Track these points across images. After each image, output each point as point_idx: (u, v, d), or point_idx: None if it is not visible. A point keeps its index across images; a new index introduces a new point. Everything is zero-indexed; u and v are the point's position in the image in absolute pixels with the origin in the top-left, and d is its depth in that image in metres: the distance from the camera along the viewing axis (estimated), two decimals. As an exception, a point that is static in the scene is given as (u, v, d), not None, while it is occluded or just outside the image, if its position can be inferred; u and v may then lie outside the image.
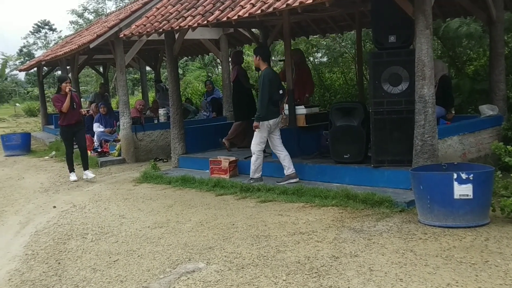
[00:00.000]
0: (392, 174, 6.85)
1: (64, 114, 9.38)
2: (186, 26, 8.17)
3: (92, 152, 12.79)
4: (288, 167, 7.64)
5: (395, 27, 6.87)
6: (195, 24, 8.02)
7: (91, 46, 10.82)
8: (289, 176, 7.63)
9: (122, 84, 11.64)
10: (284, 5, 6.69)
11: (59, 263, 5.09)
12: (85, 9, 38.33)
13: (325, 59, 14.39)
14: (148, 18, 9.41)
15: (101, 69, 21.89)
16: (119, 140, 12.55)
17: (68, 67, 16.70)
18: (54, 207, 7.65)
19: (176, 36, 9.62)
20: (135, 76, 30.78)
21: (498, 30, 8.15)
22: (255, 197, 7.23)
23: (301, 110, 8.46)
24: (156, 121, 12.45)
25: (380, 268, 4.36)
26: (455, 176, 5.28)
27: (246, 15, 7.23)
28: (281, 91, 7.68)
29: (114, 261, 5.03)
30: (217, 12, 7.80)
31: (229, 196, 7.50)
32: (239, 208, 6.75)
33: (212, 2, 8.31)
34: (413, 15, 6.45)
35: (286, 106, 8.64)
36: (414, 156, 6.55)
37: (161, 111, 12.39)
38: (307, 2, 6.37)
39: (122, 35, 9.45)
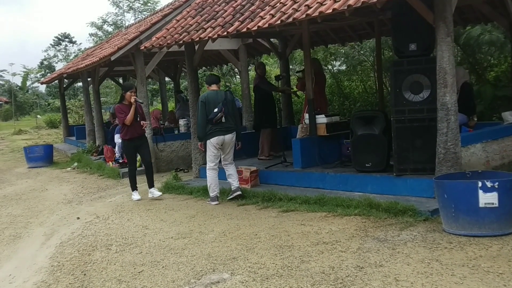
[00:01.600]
0: (415, 182, 6.79)
1: (127, 127, 8.56)
2: (206, 38, 8.23)
3: (114, 163, 12.91)
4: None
5: (415, 35, 6.84)
6: (215, 35, 8.08)
7: (112, 58, 10.95)
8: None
9: (142, 96, 11.72)
10: (304, 15, 6.72)
11: (84, 274, 5.14)
12: (104, 21, 38.70)
13: (343, 67, 14.37)
14: (168, 30, 9.50)
15: (121, 81, 22.10)
16: (140, 151, 12.64)
17: (89, 79, 16.95)
18: (78, 218, 7.73)
19: (196, 47, 9.68)
20: (154, 87, 31.02)
21: (519, 35, 8.08)
22: (277, 207, 7.22)
23: (321, 119, 8.45)
24: (176, 132, 12.53)
25: (406, 278, 4.33)
26: (480, 184, 5.24)
27: (266, 25, 7.26)
28: (216, 109, 7.77)
29: (139, 272, 5.06)
30: (237, 23, 7.85)
31: (250, 206, 7.51)
32: (261, 218, 6.76)
33: (232, 13, 8.38)
34: (433, 23, 6.42)
35: (306, 116, 8.66)
36: (437, 164, 6.50)
37: (182, 122, 12.48)
38: (327, 12, 6.39)
39: (143, 47, 9.55)
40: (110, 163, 12.99)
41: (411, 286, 4.17)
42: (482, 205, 5.24)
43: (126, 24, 25.05)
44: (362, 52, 12.94)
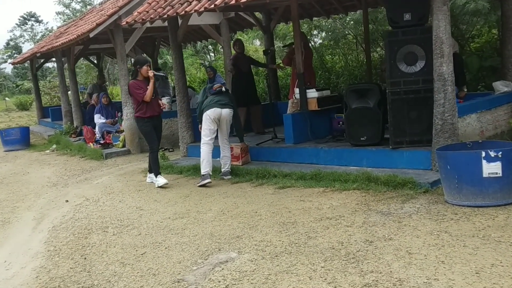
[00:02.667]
0: (412, 155, 6.74)
1: (146, 105, 7.79)
2: (192, 11, 7.97)
3: (95, 144, 12.63)
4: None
5: (410, 5, 6.72)
6: (202, 9, 7.81)
7: (91, 35, 10.58)
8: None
9: (123, 74, 11.43)
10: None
11: (85, 258, 4.96)
12: (72, -2, 37.80)
13: (325, 41, 14.19)
14: (150, 4, 9.21)
15: (96, 60, 21.57)
16: (121, 131, 12.38)
17: (63, 58, 16.49)
18: (67, 201, 7.51)
19: (180, 22, 9.42)
20: (128, 65, 30.42)
21: (510, 5, 8.04)
22: (273, 184, 7.11)
23: (312, 93, 8.31)
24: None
25: (418, 251, 4.27)
26: (483, 154, 5.20)
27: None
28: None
29: (142, 254, 4.90)
30: (225, -4, 7.61)
31: (245, 183, 7.38)
32: (258, 196, 6.64)
33: (218, -14, 8.11)
34: (429, -8, 6.31)
35: (296, 90, 8.52)
36: (434, 136, 6.44)
37: (164, 100, 12.19)
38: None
39: (124, 23, 9.23)
40: (91, 144, 12.70)
41: (425, 258, 4.11)
42: (486, 175, 5.21)
43: (99, 1, 24.36)
44: (345, 25, 12.77)
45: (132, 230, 5.71)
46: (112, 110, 13.32)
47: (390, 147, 6.95)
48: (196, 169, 8.39)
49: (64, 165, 10.96)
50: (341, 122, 8.40)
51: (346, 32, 12.90)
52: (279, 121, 10.62)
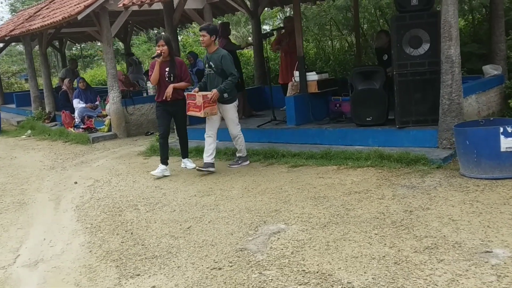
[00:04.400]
0: (418, 133, 7.07)
1: (159, 88, 7.41)
2: (197, -6, 8.02)
3: (75, 128, 12.45)
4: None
5: (417, -10, 7.03)
6: (207, -9, 7.89)
7: (79, 17, 10.42)
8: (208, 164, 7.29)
9: (109, 57, 11.32)
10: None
11: (131, 233, 5.03)
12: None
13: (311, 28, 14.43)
14: (146, -13, 9.17)
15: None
16: (104, 115, 12.27)
17: (32, 42, 16.09)
18: (76, 183, 7.47)
19: (175, 4, 9.43)
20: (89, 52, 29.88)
21: (498, -7, 8.49)
22: (283, 163, 7.30)
23: (312, 76, 8.54)
24: (145, 94, 12.23)
25: (460, 218, 4.58)
26: (501, 130, 5.57)
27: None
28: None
29: (188, 228, 5.01)
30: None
31: (254, 163, 7.54)
32: (274, 174, 6.82)
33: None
34: (438, -22, 6.64)
35: (296, 73, 8.72)
36: (441, 115, 6.78)
37: (150, 84, 12.14)
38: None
39: (121, 4, 9.16)
40: (71, 129, 12.51)
41: (469, 224, 4.42)
42: (503, 149, 5.58)
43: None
44: (331, 11, 13.05)
45: (164, 207, 5.79)
46: (91, 94, 13.15)
47: (397, 126, 7.26)
48: (198, 151, 8.46)
49: (50, 149, 10.78)
50: (338, 105, 8.67)
51: (329, 18, 13.18)
52: (267, 104, 10.90)
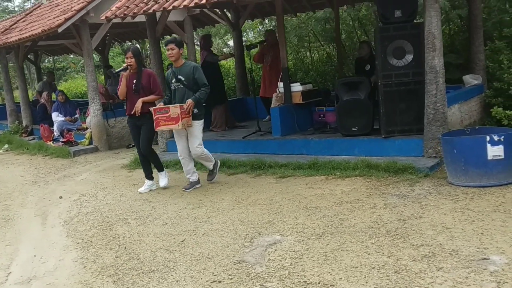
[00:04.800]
0: (403, 143, 7.16)
1: (127, 101, 7.14)
2: (182, 6, 8.01)
3: (54, 142, 12.28)
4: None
5: (400, 2, 7.15)
6: (192, 4, 7.87)
7: (60, 30, 10.32)
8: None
9: (90, 70, 11.23)
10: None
11: (125, 247, 4.97)
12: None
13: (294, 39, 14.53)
14: (128, -1, 9.14)
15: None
16: (84, 128, 12.14)
17: (7, 55, 15.87)
18: (61, 197, 7.35)
19: (158, 17, 9.42)
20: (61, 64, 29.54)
21: (477, 5, 8.69)
22: (271, 174, 7.32)
23: (297, 87, 8.59)
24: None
25: (453, 226, 4.64)
26: (488, 138, 5.68)
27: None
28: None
29: (182, 241, 4.98)
30: (216, -9, 7.71)
31: (242, 174, 7.54)
32: (263, 185, 6.82)
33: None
34: (421, -10, 6.77)
35: (280, 84, 8.76)
36: (426, 125, 6.89)
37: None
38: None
39: (103, 17, 9.08)
40: (50, 142, 12.34)
41: (463, 232, 4.48)
42: (490, 158, 5.70)
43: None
44: (309, 22, 13.16)
45: (156, 221, 5.74)
46: (71, 107, 13.00)
47: (383, 136, 7.34)
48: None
49: (31, 163, 10.61)
50: (322, 115, 8.74)
51: (309, 30, 13.30)
52: (248, 115, 10.94)
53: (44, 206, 6.98)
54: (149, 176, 7.31)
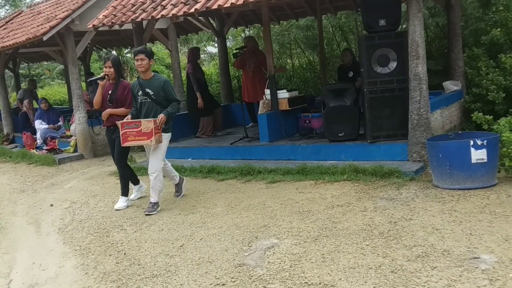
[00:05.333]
0: (389, 147, 7.38)
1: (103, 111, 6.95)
2: (170, 15, 8.13)
3: (37, 150, 12.24)
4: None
5: (385, 12, 7.38)
6: (181, 13, 8.00)
7: (45, 38, 10.34)
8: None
9: (75, 77, 11.25)
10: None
11: (124, 253, 5.06)
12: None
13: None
14: (115, 7, 9.22)
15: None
16: (68, 136, 12.14)
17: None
18: (52, 205, 7.39)
19: (144, 25, 9.51)
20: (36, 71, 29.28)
21: (455, 13, 8.98)
22: (260, 179, 7.45)
23: (283, 94, 8.77)
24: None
25: (442, 227, 4.84)
26: (471, 143, 5.92)
27: (241, 2, 7.37)
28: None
29: (180, 246, 5.09)
30: (203, 1, 7.83)
31: (231, 180, 7.65)
32: (254, 190, 6.96)
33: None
34: (404, 0, 7.01)
35: (267, 91, 8.92)
36: (410, 130, 7.12)
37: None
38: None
39: (90, 25, 9.14)
40: (33, 150, 12.30)
41: (453, 232, 4.69)
42: (474, 161, 5.93)
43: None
44: (291, 30, 13.39)
45: (151, 227, 5.84)
46: (53, 115, 12.97)
47: (368, 141, 7.55)
48: (175, 169, 8.52)
49: (15, 172, 10.58)
50: (307, 121, 8.93)
51: (291, 37, 13.53)
52: (234, 122, 11.09)
53: (36, 214, 7.01)
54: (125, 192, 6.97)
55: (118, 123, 6.45)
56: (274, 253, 4.65)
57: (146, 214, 6.34)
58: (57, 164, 10.81)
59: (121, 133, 6.36)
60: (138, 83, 6.50)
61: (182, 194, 7.10)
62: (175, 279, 4.32)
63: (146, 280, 4.38)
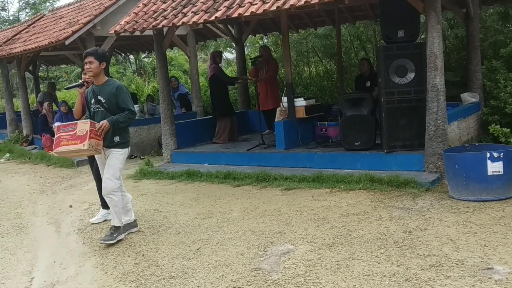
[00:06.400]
0: (405, 158, 7.43)
1: None
2: (191, 22, 8.27)
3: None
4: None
5: (403, 23, 7.46)
6: (201, 20, 8.14)
7: (67, 42, 10.56)
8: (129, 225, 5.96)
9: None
10: (302, 2, 7.04)
11: (142, 254, 5.17)
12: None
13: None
14: (137, 14, 9.38)
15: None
16: (87, 139, 12.29)
17: (8, 65, 16.09)
18: (71, 206, 7.54)
19: (165, 32, 9.67)
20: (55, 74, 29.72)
21: (474, 25, 9.02)
22: (276, 186, 7.53)
23: (300, 102, 8.87)
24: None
25: (457, 238, 4.88)
26: (488, 155, 5.95)
27: (260, 11, 7.49)
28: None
29: (197, 250, 5.18)
30: (223, 9, 7.97)
31: (247, 186, 7.74)
32: (269, 197, 7.04)
33: (209, -2, 8.42)
34: (423, 12, 7.06)
35: (284, 99, 9.02)
36: (427, 141, 7.16)
37: (136, 107, 12.28)
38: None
39: (112, 31, 9.32)
40: (52, 152, 12.47)
41: (467, 243, 4.73)
42: (490, 173, 5.97)
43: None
44: (309, 38, 13.50)
45: (169, 230, 5.94)
46: (73, 118, 13.13)
47: (385, 151, 7.61)
48: (189, 174, 8.68)
49: (35, 173, 10.77)
50: (324, 129, 9.01)
51: (309, 46, 13.63)
52: (250, 128, 11.19)
53: (56, 215, 7.15)
54: (106, 205, 6.28)
55: (54, 126, 5.61)
56: (289, 258, 4.72)
57: (102, 243, 5.55)
58: (75, 166, 10.98)
59: (55, 137, 5.57)
60: (92, 90, 5.72)
61: (115, 240, 5.59)
62: (192, 281, 4.41)
63: (164, 281, 4.48)
